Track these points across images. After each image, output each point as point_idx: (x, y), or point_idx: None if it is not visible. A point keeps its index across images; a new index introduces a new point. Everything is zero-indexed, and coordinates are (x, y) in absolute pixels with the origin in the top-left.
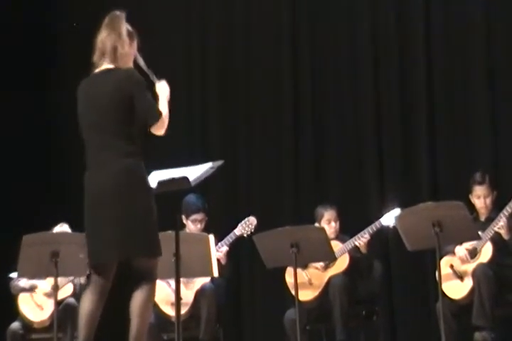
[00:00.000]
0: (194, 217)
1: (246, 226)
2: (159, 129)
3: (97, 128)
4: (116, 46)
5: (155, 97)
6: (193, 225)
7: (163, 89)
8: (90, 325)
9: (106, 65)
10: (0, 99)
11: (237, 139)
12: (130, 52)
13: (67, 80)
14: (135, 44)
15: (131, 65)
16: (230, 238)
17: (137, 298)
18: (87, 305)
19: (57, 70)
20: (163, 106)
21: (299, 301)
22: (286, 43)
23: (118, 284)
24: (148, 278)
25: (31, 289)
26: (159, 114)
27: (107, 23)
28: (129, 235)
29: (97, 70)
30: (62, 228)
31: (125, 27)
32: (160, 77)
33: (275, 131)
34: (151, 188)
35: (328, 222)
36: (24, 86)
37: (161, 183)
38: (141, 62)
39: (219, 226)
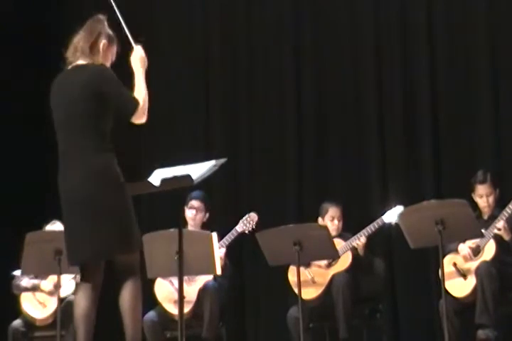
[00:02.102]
0: (191, 203)
1: (247, 222)
2: (140, 118)
3: (68, 126)
4: (91, 46)
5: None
6: (190, 213)
7: (137, 56)
8: (88, 323)
9: (78, 62)
10: (5, 101)
11: (239, 137)
12: (107, 55)
13: None
14: (114, 49)
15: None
16: (231, 235)
17: (125, 294)
18: (81, 303)
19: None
20: (140, 82)
21: (302, 299)
22: (288, 43)
23: (110, 283)
24: (131, 273)
25: (33, 289)
26: (137, 104)
27: (87, 25)
28: (103, 235)
29: (69, 67)
30: (54, 226)
31: (105, 30)
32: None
33: (278, 129)
34: (123, 184)
35: (331, 219)
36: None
37: (164, 181)
38: (122, 22)
39: (221, 225)
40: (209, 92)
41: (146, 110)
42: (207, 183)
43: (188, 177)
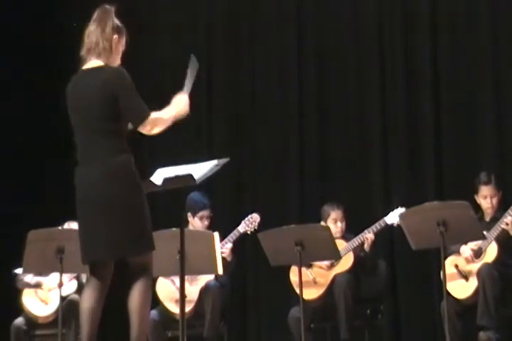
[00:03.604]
0: (201, 213)
1: (249, 223)
2: (149, 130)
3: (85, 126)
4: (103, 41)
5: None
6: (200, 222)
7: (179, 100)
8: (92, 322)
9: (94, 62)
10: (1, 100)
11: (242, 137)
12: (118, 48)
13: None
14: (124, 40)
15: (119, 60)
16: (233, 235)
17: (134, 294)
18: (87, 301)
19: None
20: (166, 112)
21: (304, 300)
22: (292, 43)
23: (118, 281)
24: (143, 273)
25: (36, 286)
26: (147, 114)
27: (95, 17)
28: (118, 234)
29: (84, 67)
30: (73, 225)
31: (113, 22)
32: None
33: (280, 129)
34: (140, 184)
35: (334, 222)
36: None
37: (166, 180)
38: (192, 68)
39: (223, 224)
40: (211, 92)
41: (161, 127)
42: (209, 183)
43: (190, 176)
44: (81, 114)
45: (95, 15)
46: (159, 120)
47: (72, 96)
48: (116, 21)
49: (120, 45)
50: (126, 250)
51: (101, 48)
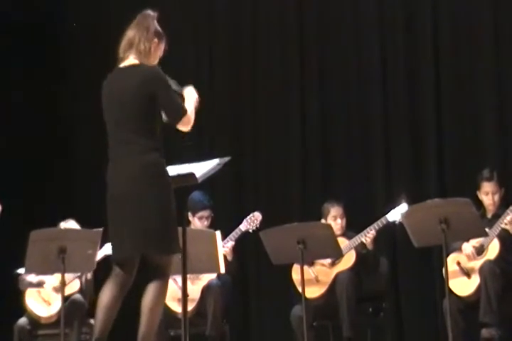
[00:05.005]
0: (201, 214)
1: (251, 221)
2: (185, 125)
3: (120, 123)
4: (144, 42)
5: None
6: (199, 222)
7: (190, 93)
8: (107, 318)
9: (131, 60)
10: (1, 99)
11: (244, 136)
12: (156, 52)
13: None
14: (162, 46)
15: (155, 63)
16: (235, 234)
17: (148, 294)
18: (106, 297)
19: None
20: (189, 105)
21: (306, 298)
22: (293, 43)
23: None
24: (160, 275)
25: (39, 285)
26: (184, 111)
27: (137, 21)
28: (146, 231)
29: (122, 65)
30: (68, 224)
31: (155, 26)
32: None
33: (282, 127)
34: (170, 183)
35: (334, 219)
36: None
37: None
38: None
39: (225, 223)
40: (213, 91)
41: (192, 121)
42: (211, 182)
43: (192, 175)
44: (117, 112)
45: (137, 19)
46: (191, 117)
47: (109, 94)
48: (158, 27)
49: (159, 49)
50: (152, 247)
51: (141, 48)
